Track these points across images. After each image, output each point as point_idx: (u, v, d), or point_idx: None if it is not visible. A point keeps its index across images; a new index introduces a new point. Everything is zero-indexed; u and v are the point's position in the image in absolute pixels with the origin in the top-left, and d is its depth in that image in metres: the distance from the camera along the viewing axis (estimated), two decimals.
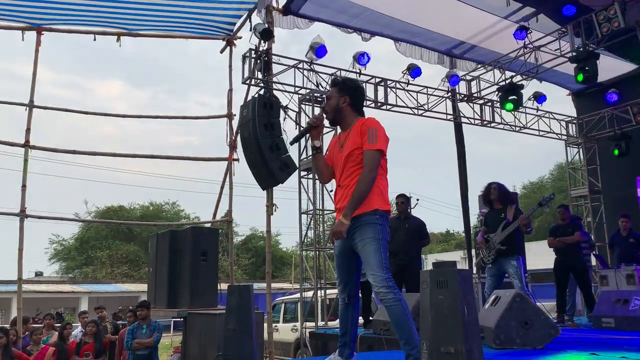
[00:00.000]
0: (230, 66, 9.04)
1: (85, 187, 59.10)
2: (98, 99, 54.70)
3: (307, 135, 3.56)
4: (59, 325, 8.70)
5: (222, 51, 9.18)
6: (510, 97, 9.46)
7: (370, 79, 9.47)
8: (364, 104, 3.66)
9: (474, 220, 11.28)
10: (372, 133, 3.16)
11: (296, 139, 3.74)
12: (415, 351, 2.82)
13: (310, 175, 8.76)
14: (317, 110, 8.74)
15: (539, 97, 10.71)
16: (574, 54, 8.36)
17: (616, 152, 10.58)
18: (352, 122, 3.33)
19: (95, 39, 8.50)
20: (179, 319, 8.55)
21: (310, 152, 8.59)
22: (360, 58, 8.95)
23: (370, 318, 6.90)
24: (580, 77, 8.17)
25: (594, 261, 8.94)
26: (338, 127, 3.51)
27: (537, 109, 11.07)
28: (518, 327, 4.30)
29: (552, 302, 7.48)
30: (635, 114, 10.31)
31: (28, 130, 7.87)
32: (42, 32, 8.16)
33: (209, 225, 9.25)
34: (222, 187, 8.95)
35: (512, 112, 10.28)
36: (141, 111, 56.17)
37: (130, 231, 34.96)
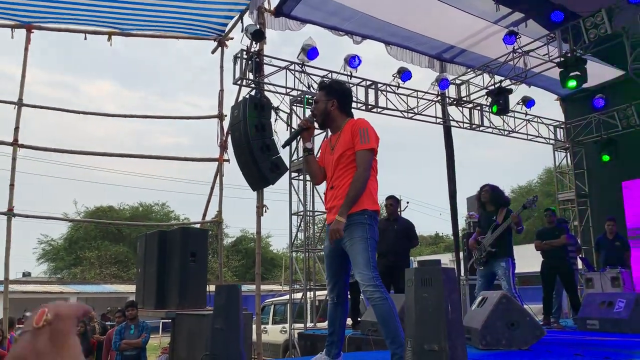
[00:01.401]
0: (221, 67, 9.06)
1: (74, 187, 58.65)
2: (88, 99, 54.32)
3: (299, 137, 3.61)
4: None
5: (213, 52, 9.20)
6: (499, 102, 9.54)
7: (361, 81, 9.52)
8: (353, 106, 3.70)
9: (462, 224, 11.35)
10: (363, 133, 3.22)
11: (288, 142, 3.80)
12: (400, 350, 2.85)
13: (301, 177, 8.78)
14: (308, 112, 8.77)
15: (528, 102, 10.80)
16: (562, 59, 8.46)
17: (606, 157, 10.65)
18: (341, 124, 3.38)
19: (86, 38, 8.49)
20: (167, 320, 8.53)
21: (301, 154, 8.62)
22: (352, 61, 8.98)
23: (359, 319, 6.93)
24: (568, 84, 8.24)
25: (580, 264, 9.04)
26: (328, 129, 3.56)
27: (526, 114, 11.16)
28: (504, 328, 4.35)
29: (539, 304, 7.56)
30: (621, 119, 10.44)
31: (17, 129, 7.84)
32: (32, 31, 8.13)
33: (198, 226, 9.25)
34: (212, 188, 8.96)
35: (501, 117, 10.37)
36: (131, 111, 55.87)
37: (119, 232, 34.77)
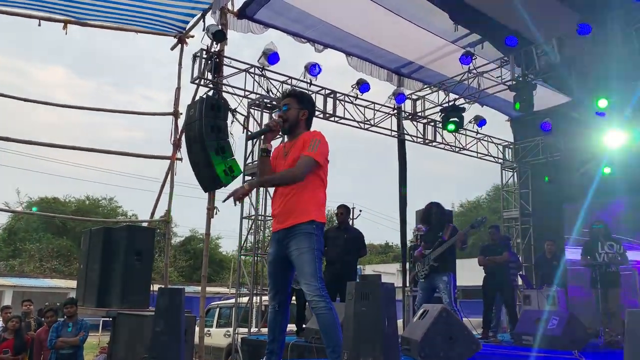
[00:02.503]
0: (180, 64, 8.93)
1: (18, 176, 56.37)
2: (38, 86, 52.41)
3: (261, 137, 3.59)
4: None
5: (172, 48, 9.06)
6: (452, 119, 9.80)
7: (321, 90, 9.59)
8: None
9: (410, 235, 11.56)
10: (314, 143, 3.28)
11: (253, 136, 3.82)
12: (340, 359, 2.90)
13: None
14: (265, 116, 8.75)
15: (480, 121, 11.11)
16: (514, 82, 8.79)
17: (546, 178, 11.08)
18: (299, 134, 3.43)
19: (40, 25, 8.20)
20: (108, 318, 8.29)
21: (255, 157, 8.58)
22: (312, 69, 9.03)
23: (304, 326, 6.96)
24: (517, 106, 8.59)
25: (520, 281, 9.36)
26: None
27: (477, 132, 11.49)
28: (443, 342, 4.47)
29: (480, 317, 7.79)
30: (566, 143, 10.89)
31: None
32: None
33: (146, 224, 9.06)
34: (162, 186, 8.79)
35: (453, 133, 10.65)
36: (84, 101, 54.33)
37: (63, 225, 33.60)
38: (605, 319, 6.95)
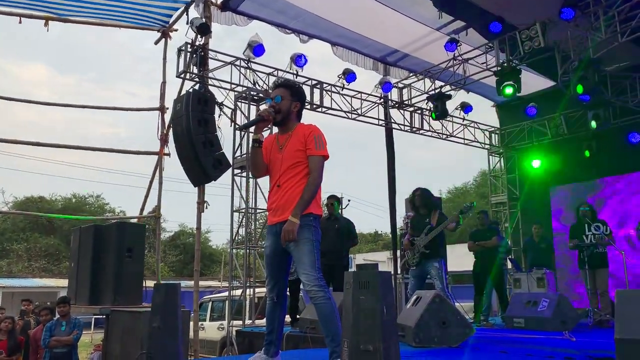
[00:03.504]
0: (164, 58, 8.88)
1: (2, 176, 55.59)
2: (18, 84, 51.58)
3: (252, 127, 3.56)
4: None
5: (156, 42, 9.01)
6: (439, 107, 9.85)
7: (307, 81, 9.58)
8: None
9: (400, 223, 11.64)
10: (319, 140, 3.30)
11: (245, 126, 3.79)
12: (339, 348, 2.93)
13: (244, 174, 8.75)
14: (252, 109, 8.74)
15: (466, 107, 11.19)
16: (499, 68, 8.84)
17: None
18: (292, 126, 3.42)
19: (20, 22, 8.09)
20: (100, 316, 8.27)
21: (244, 150, 8.58)
22: (298, 60, 9.02)
23: (298, 317, 7.00)
24: (509, 90, 8.58)
25: (509, 264, 9.48)
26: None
27: (464, 119, 11.57)
28: (436, 327, 4.54)
29: (471, 302, 7.89)
30: (551, 128, 11.02)
31: None
32: None
33: (135, 220, 9.03)
34: (151, 182, 8.77)
35: (440, 121, 10.71)
36: (65, 98, 53.57)
37: (50, 223, 33.31)
38: (594, 299, 7.08)
